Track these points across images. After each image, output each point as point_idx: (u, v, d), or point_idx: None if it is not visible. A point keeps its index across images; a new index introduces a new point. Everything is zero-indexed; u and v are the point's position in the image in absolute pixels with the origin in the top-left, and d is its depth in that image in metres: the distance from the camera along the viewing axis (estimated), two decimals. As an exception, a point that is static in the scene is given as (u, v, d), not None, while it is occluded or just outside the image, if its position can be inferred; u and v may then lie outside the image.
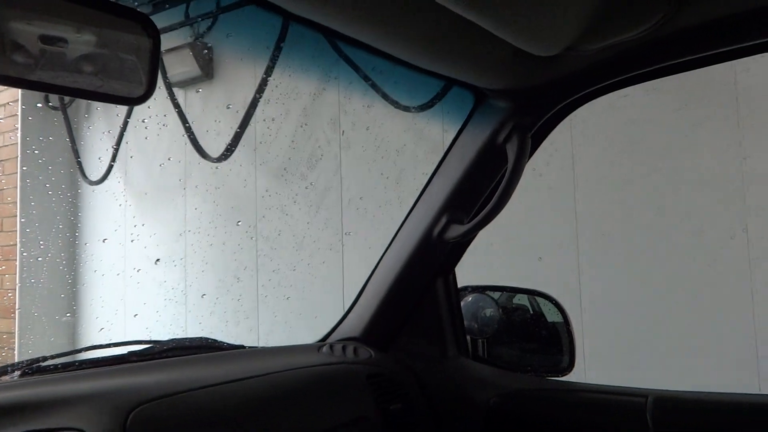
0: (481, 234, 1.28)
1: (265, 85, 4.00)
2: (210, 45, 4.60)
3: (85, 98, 0.77)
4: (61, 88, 0.74)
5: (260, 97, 4.03)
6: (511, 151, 1.16)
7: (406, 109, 3.59)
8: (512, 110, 1.19)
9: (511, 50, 0.94)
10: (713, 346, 2.87)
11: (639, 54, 1.07)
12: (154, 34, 0.78)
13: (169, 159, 4.91)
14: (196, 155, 4.60)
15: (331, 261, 4.14)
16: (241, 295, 4.53)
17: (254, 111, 4.08)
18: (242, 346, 1.32)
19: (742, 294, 2.83)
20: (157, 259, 4.90)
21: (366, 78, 3.56)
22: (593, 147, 3.23)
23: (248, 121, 4.12)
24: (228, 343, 1.31)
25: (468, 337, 1.42)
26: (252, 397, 1.02)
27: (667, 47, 1.04)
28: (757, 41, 1.02)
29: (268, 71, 3.96)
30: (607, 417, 1.21)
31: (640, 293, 3.06)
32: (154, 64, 0.78)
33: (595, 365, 2.92)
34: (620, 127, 3.15)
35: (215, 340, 1.31)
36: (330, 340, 1.41)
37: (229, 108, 4.55)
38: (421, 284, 1.37)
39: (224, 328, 4.51)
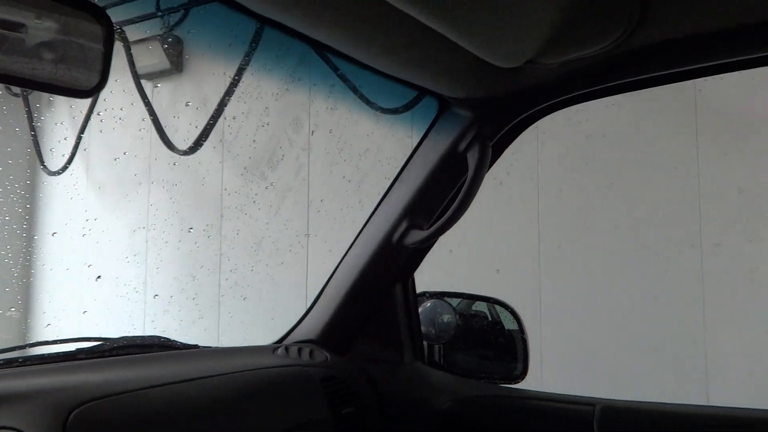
0: (443, 240, 1.29)
1: (237, 84, 3.94)
2: (181, 38, 4.53)
3: (36, 89, 0.75)
4: (12, 78, 0.71)
5: (228, 99, 3.97)
6: (472, 159, 1.17)
7: (385, 111, 3.59)
8: (474, 119, 1.20)
9: (475, 61, 0.95)
10: (665, 357, 2.95)
11: (599, 70, 1.09)
12: (108, 26, 0.76)
13: (124, 153, 4.80)
14: (155, 150, 4.51)
15: (291, 262, 4.11)
16: (197, 294, 4.46)
17: (224, 109, 4.02)
18: (196, 346, 1.29)
19: (693, 306, 2.92)
20: (98, 276, 4.78)
21: (344, 79, 3.55)
22: (554, 160, 3.30)
23: (219, 116, 4.05)
24: (182, 343, 1.29)
25: (425, 343, 1.43)
26: (203, 397, 1.01)
27: (625, 64, 1.07)
28: (716, 62, 1.06)
29: (240, 72, 3.91)
30: (556, 425, 1.23)
31: (599, 305, 3.12)
32: (108, 56, 0.76)
33: (551, 374, 2.98)
34: (578, 142, 3.22)
35: (168, 339, 1.28)
36: (286, 342, 1.40)
37: (188, 105, 4.47)
38: (379, 289, 1.37)
39: (179, 326, 4.43)
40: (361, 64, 1.02)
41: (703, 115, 2.97)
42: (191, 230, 4.47)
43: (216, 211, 4.45)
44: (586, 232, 3.19)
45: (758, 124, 2.86)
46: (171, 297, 4.55)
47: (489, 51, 0.91)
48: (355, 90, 3.54)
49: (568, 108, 1.23)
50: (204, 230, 4.47)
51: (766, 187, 2.83)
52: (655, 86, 1.15)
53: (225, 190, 4.42)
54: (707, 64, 1.07)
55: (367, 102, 3.59)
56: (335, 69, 3.47)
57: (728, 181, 2.91)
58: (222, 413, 1.01)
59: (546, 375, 2.99)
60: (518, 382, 1.41)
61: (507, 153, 1.30)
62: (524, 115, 1.22)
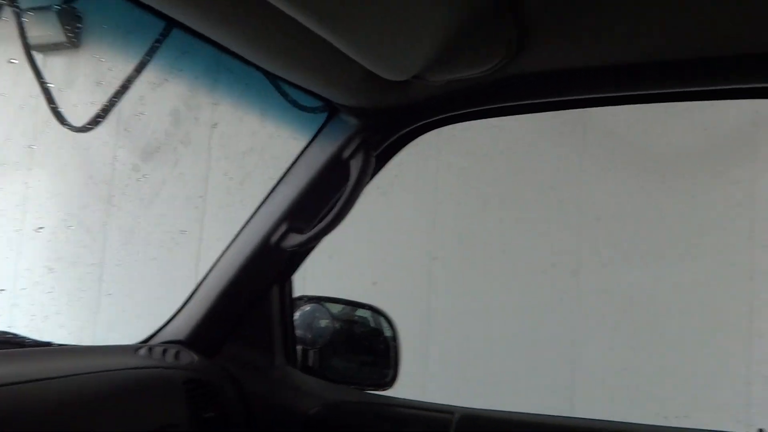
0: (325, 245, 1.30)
1: (143, 69, 3.69)
2: (80, 13, 4.18)
3: None
4: None
5: (129, 85, 3.71)
6: (355, 167, 1.18)
7: (306, 110, 3.49)
8: (360, 128, 1.22)
9: (363, 70, 0.97)
10: (537, 370, 3.12)
11: (481, 92, 1.15)
12: None
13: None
14: (6, 131, 4.15)
15: (163, 259, 3.93)
16: (54, 288, 4.13)
17: (128, 89, 3.74)
18: (49, 344, 1.20)
19: (564, 322, 3.11)
20: None
21: (268, 75, 3.40)
22: (437, 175, 3.39)
23: (122, 95, 3.76)
24: (32, 339, 1.19)
25: (300, 347, 1.42)
26: (50, 400, 0.93)
27: (506, 89, 1.14)
28: (592, 95, 1.15)
29: (142, 65, 3.66)
30: (414, 431, 1.27)
31: (480, 320, 3.24)
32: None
33: (435, 385, 3.08)
34: (460, 158, 3.35)
35: (16, 335, 1.18)
36: (152, 342, 1.34)
37: (49, 86, 4.14)
38: (255, 291, 1.35)
39: (30, 322, 4.08)
40: (249, 63, 1.00)
41: (591, 143, 3.16)
42: (41, 229, 4.14)
43: (79, 200, 4.15)
44: (464, 247, 3.31)
45: (643, 153, 3.08)
46: (22, 290, 4.18)
47: (375, 63, 0.93)
48: (277, 86, 3.43)
49: (453, 125, 1.27)
50: (64, 220, 4.15)
51: (632, 215, 3.07)
52: (534, 113, 1.22)
53: (91, 178, 4.15)
54: (584, 97, 1.16)
55: (288, 99, 3.48)
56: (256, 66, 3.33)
57: (598, 206, 3.13)
58: (72, 417, 0.94)
59: (430, 385, 3.10)
60: (387, 389, 1.43)
61: (392, 164, 1.32)
62: (410, 128, 1.26)
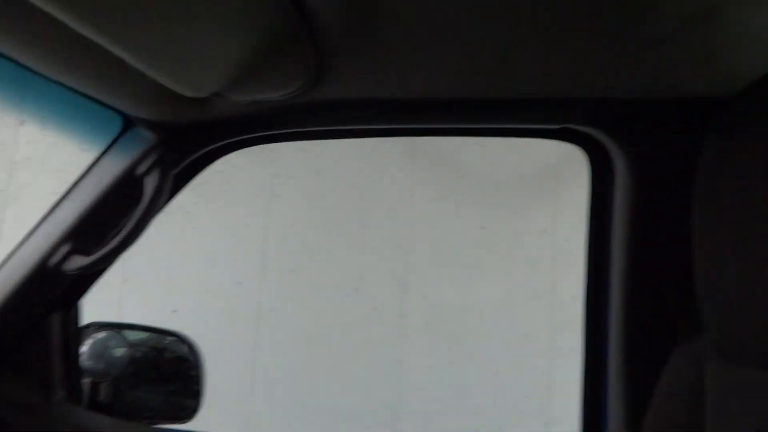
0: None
1: None
2: None
3: None
4: None
5: None
6: (150, 186, 1.12)
7: (97, 120, 3.15)
8: (157, 143, 1.15)
9: (156, 83, 0.92)
10: (366, 394, 3.15)
11: (284, 115, 1.16)
12: None
13: None
14: None
15: None
16: None
17: None
18: None
19: (392, 343, 3.19)
20: None
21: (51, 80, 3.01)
22: (244, 197, 3.32)
23: None
24: None
25: (89, 381, 1.29)
26: None
27: (309, 114, 1.16)
28: (389, 126, 1.22)
29: None
30: None
31: (304, 347, 3.20)
32: None
33: (250, 416, 2.97)
34: (266, 181, 3.32)
35: None
36: None
37: None
38: (29, 319, 1.21)
39: None
40: (29, 69, 0.90)
41: (417, 166, 3.29)
42: None
43: None
44: (274, 272, 3.26)
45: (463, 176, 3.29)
46: None
47: (169, 78, 0.88)
48: (62, 92, 3.06)
49: (263, 146, 1.27)
50: None
51: (452, 237, 3.26)
52: (337, 138, 1.26)
53: None
54: (382, 127, 1.23)
55: (75, 106, 3.13)
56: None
57: (419, 228, 3.27)
58: None
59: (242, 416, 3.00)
60: (187, 422, 1.36)
61: (196, 183, 1.27)
62: (211, 147, 1.22)
